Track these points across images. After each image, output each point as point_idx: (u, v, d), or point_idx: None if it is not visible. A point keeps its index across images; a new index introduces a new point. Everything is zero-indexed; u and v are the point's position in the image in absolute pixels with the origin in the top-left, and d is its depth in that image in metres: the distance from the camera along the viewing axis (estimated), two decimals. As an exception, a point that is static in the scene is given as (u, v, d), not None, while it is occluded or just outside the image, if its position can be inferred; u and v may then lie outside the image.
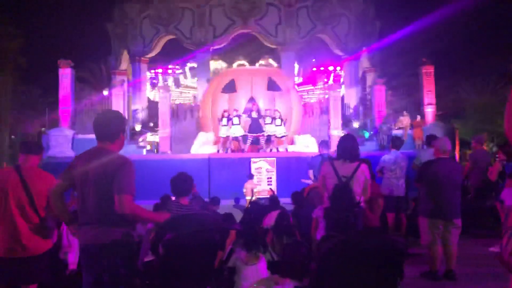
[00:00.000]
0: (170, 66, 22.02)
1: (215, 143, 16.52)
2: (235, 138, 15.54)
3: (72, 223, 3.37)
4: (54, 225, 4.22)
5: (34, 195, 3.97)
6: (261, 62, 23.45)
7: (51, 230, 4.15)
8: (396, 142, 8.37)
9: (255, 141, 15.51)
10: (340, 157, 5.00)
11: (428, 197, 5.74)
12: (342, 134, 18.18)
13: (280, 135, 15.42)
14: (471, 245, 7.38)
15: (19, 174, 3.99)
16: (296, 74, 22.78)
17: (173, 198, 5.05)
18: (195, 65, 22.79)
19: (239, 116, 15.47)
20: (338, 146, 5.08)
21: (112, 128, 3.37)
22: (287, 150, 15.68)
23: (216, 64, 24.19)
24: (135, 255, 3.46)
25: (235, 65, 23.79)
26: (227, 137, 15.48)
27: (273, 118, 15.35)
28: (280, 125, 15.44)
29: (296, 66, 21.91)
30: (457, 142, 22.23)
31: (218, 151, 15.72)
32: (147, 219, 3.49)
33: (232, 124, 15.27)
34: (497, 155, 9.12)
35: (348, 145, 5.01)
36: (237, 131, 15.28)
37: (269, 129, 15.30)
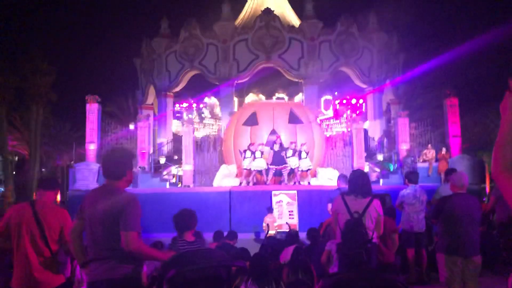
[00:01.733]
0: (192, 101, 22.41)
1: (238, 175, 16.59)
2: (259, 171, 15.58)
3: (86, 266, 3.45)
4: (67, 259, 4.31)
5: (46, 229, 4.09)
6: (277, 95, 23.57)
7: (64, 264, 4.25)
8: (411, 177, 8.24)
9: (278, 173, 15.52)
10: (352, 193, 4.98)
11: (445, 233, 5.60)
12: (367, 167, 18.11)
13: (305, 168, 15.38)
14: (496, 282, 7.12)
15: (32, 209, 4.14)
16: (321, 107, 22.82)
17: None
18: (212, 100, 23.18)
19: (262, 151, 15.54)
20: (349, 182, 5.06)
21: (119, 167, 3.49)
22: (309, 183, 15.58)
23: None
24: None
25: (247, 98, 23.94)
26: (250, 169, 15.54)
27: (296, 151, 15.35)
28: (306, 158, 15.42)
29: (322, 99, 22.01)
30: (487, 176, 21.62)
31: (240, 183, 15.75)
32: (152, 256, 3.55)
33: (255, 158, 15.35)
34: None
35: (359, 180, 4.99)
36: (260, 163, 15.34)
37: (291, 162, 15.29)
